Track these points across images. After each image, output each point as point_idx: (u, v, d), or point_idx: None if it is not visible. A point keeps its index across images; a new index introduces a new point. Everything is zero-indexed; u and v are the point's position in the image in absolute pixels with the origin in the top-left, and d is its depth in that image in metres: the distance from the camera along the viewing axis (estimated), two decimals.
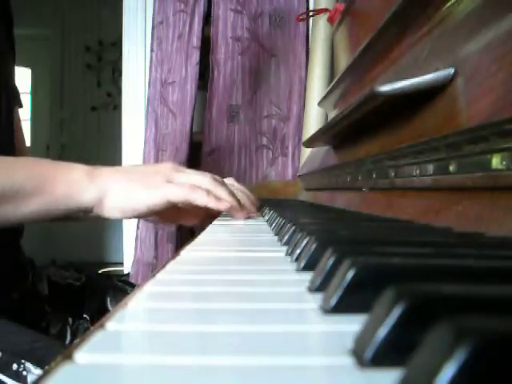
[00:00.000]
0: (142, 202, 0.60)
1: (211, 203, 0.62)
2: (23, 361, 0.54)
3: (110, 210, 0.61)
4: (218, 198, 0.64)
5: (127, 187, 0.60)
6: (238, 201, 0.69)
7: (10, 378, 0.53)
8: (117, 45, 3.54)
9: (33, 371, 0.53)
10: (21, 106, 0.91)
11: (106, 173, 0.61)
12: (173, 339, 0.19)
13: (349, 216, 0.66)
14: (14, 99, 0.86)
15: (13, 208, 0.57)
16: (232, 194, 0.67)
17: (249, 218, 0.73)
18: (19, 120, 0.92)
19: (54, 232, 3.73)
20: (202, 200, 0.61)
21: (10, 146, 0.79)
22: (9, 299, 0.73)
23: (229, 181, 0.81)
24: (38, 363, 0.54)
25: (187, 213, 0.71)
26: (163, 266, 0.35)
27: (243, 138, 2.04)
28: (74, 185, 0.59)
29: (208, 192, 0.62)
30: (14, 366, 0.53)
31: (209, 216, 0.74)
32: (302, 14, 1.87)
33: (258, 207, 0.84)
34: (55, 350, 0.58)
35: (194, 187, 0.62)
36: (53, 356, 0.55)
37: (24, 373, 0.53)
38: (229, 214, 0.71)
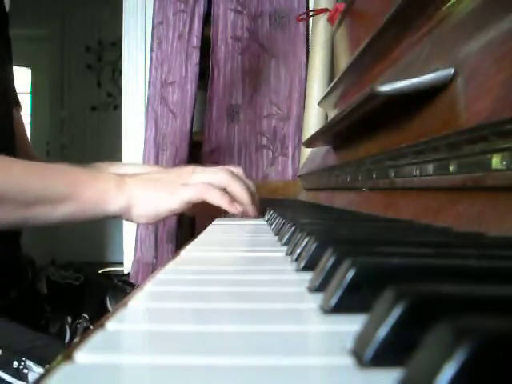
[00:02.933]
0: (165, 208, 0.65)
1: (225, 204, 0.66)
2: (24, 358, 0.54)
3: (137, 218, 0.66)
4: (232, 198, 0.67)
5: (152, 196, 0.65)
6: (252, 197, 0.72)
7: (11, 375, 0.53)
8: (117, 45, 3.54)
9: (34, 369, 0.53)
10: (20, 108, 0.91)
11: (132, 182, 0.65)
12: (173, 339, 0.19)
13: (349, 216, 0.66)
14: (17, 102, 0.86)
15: (44, 211, 0.60)
16: (246, 190, 0.70)
17: (248, 216, 0.74)
18: (21, 122, 0.91)
19: (54, 232, 3.73)
20: (215, 200, 0.65)
21: (9, 147, 0.78)
22: (7, 297, 0.73)
23: (236, 170, 0.79)
24: (39, 361, 0.54)
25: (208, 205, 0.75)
26: (163, 266, 0.35)
27: (243, 137, 2.04)
28: (104, 194, 0.62)
29: (223, 192, 0.66)
30: (15, 364, 0.53)
31: (212, 214, 0.77)
32: (302, 14, 1.87)
33: (258, 208, 0.82)
34: (56, 348, 0.58)
35: (209, 187, 0.65)
36: (53, 354, 0.55)
37: (25, 370, 0.53)
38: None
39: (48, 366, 0.53)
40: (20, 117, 0.91)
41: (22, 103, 0.92)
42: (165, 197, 0.65)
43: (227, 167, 0.71)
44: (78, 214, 0.62)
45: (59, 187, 0.60)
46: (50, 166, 0.67)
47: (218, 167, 0.72)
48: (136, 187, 0.64)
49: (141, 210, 0.64)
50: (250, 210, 0.71)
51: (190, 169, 0.69)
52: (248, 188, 0.71)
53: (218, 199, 0.65)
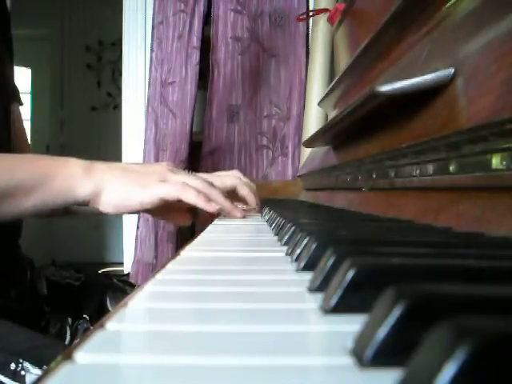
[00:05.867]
0: (136, 199, 0.62)
1: (200, 203, 0.64)
2: (21, 360, 0.54)
3: (104, 205, 0.62)
4: (209, 199, 0.65)
5: (123, 184, 0.62)
6: (232, 202, 0.72)
7: (8, 377, 0.53)
8: (117, 45, 3.54)
9: (31, 370, 0.53)
10: (21, 103, 0.91)
11: (103, 168, 0.63)
12: (173, 339, 0.19)
13: (349, 216, 0.66)
14: (13, 97, 0.86)
15: (15, 202, 0.59)
16: (224, 196, 0.70)
17: (244, 217, 0.74)
18: (20, 118, 0.91)
19: (53, 232, 3.74)
20: (191, 198, 0.63)
21: (7, 143, 0.78)
22: (7, 298, 0.73)
23: (234, 173, 0.84)
24: (37, 362, 0.54)
25: (178, 212, 0.74)
26: (163, 266, 0.35)
27: (243, 137, 2.04)
28: (72, 179, 0.61)
29: (199, 192, 0.64)
30: (12, 366, 0.53)
31: (203, 218, 0.76)
32: (302, 14, 1.87)
33: (259, 204, 0.85)
34: (54, 349, 0.58)
35: (186, 186, 0.63)
36: (51, 355, 0.55)
37: (22, 372, 0.53)
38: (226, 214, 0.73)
39: (45, 367, 0.53)
40: (19, 113, 0.91)
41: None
42: (137, 188, 0.62)
43: (206, 176, 0.71)
44: (49, 202, 0.61)
45: (29, 177, 0.59)
46: (17, 157, 0.66)
47: (197, 175, 0.71)
48: (106, 173, 0.62)
49: (109, 197, 0.62)
50: (234, 213, 0.71)
51: (164, 165, 0.68)
52: (225, 195, 0.71)
53: (193, 198, 0.63)
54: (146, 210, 0.66)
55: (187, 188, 0.63)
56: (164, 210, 0.69)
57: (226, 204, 0.69)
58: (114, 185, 0.62)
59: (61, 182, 0.60)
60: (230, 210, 0.71)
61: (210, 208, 0.65)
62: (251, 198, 0.79)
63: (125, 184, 0.62)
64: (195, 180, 0.66)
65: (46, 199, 0.60)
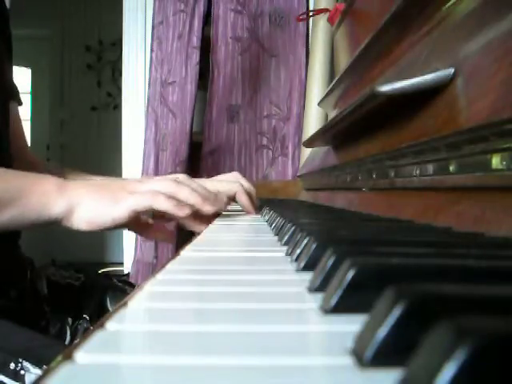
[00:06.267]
0: (108, 215, 0.62)
1: (171, 209, 0.62)
2: (21, 360, 0.54)
3: (77, 223, 0.63)
4: (180, 203, 0.64)
5: (95, 201, 0.62)
6: (209, 195, 0.69)
7: (8, 377, 0.53)
8: (117, 45, 3.54)
9: (31, 370, 0.53)
10: (20, 103, 0.91)
11: (76, 186, 0.63)
12: (173, 339, 0.19)
13: (349, 216, 0.66)
14: (12, 96, 0.86)
15: None
16: (197, 190, 0.67)
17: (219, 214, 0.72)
18: (19, 117, 0.91)
19: (53, 232, 3.73)
20: (162, 205, 0.62)
21: (5, 143, 0.78)
22: (7, 298, 0.73)
23: (235, 176, 0.84)
24: (36, 362, 0.54)
25: (158, 228, 0.73)
26: (163, 266, 0.35)
27: (243, 137, 2.05)
28: (45, 197, 0.61)
29: (169, 197, 0.63)
30: (12, 365, 0.53)
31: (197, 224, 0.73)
32: (302, 14, 1.87)
33: (257, 206, 0.85)
34: (53, 349, 0.58)
35: (155, 193, 0.62)
36: (51, 355, 0.55)
37: (22, 372, 0.53)
38: (222, 213, 0.72)
39: (45, 366, 0.53)
40: (17, 111, 0.90)
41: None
42: (109, 204, 0.62)
43: (172, 176, 0.68)
44: (22, 219, 0.60)
45: (2, 192, 0.59)
46: None
47: (163, 177, 0.69)
48: (78, 191, 0.62)
49: (82, 214, 0.62)
50: (205, 208, 0.67)
51: (134, 179, 0.67)
52: (198, 190, 0.67)
53: (164, 204, 0.62)
54: (123, 225, 0.65)
55: (157, 195, 0.62)
56: (141, 225, 0.69)
57: (197, 200, 0.65)
58: (87, 202, 0.62)
59: (35, 200, 0.60)
60: (201, 207, 0.66)
61: (180, 213, 0.63)
62: (249, 208, 0.81)
63: (97, 201, 0.62)
64: (164, 183, 0.65)
65: (19, 216, 0.60)
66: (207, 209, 0.66)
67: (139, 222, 0.68)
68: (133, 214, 0.62)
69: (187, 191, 0.65)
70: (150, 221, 0.73)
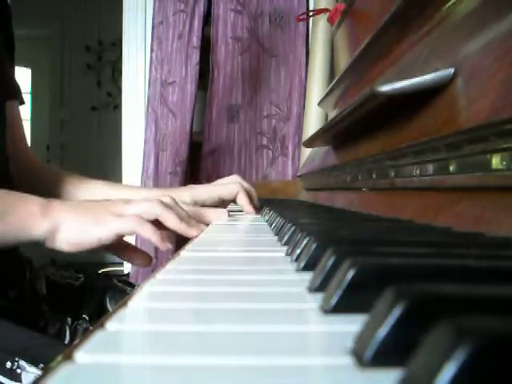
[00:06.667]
0: (91, 236, 0.62)
1: (155, 240, 0.62)
2: (17, 358, 0.54)
3: (60, 243, 0.62)
4: (164, 238, 0.63)
5: (79, 222, 0.62)
6: (194, 218, 0.70)
7: (4, 376, 0.53)
8: (117, 45, 3.54)
9: (27, 369, 0.53)
10: (22, 102, 0.90)
11: (60, 207, 0.63)
12: (173, 339, 0.19)
13: (349, 216, 0.66)
14: (12, 95, 0.85)
15: None
16: (183, 218, 0.66)
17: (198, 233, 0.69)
18: (20, 119, 0.91)
19: None
20: (147, 234, 0.61)
21: (2, 140, 0.78)
22: (6, 298, 0.73)
23: (234, 178, 0.86)
24: (33, 361, 0.54)
25: (134, 251, 0.73)
26: (163, 266, 0.35)
27: (243, 137, 2.05)
28: (28, 218, 0.60)
29: (155, 229, 0.62)
30: (8, 364, 0.53)
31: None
32: (302, 14, 1.87)
33: (257, 207, 0.86)
34: (52, 348, 0.58)
35: (141, 220, 0.62)
36: (50, 354, 0.55)
37: (18, 370, 0.53)
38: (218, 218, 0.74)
39: (42, 365, 0.53)
40: (18, 112, 0.90)
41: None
42: (92, 225, 0.61)
43: (159, 198, 0.67)
44: (3, 237, 0.60)
45: None
46: None
47: (151, 199, 0.67)
48: (62, 213, 0.62)
49: (65, 236, 0.61)
50: (190, 233, 0.66)
51: (119, 200, 0.66)
52: (183, 217, 0.67)
53: (149, 234, 0.61)
54: (104, 248, 0.65)
55: (142, 223, 0.61)
56: (120, 247, 0.68)
57: (181, 227, 0.65)
58: (70, 223, 0.62)
59: (17, 220, 0.60)
60: (185, 231, 0.66)
61: (164, 248, 0.63)
62: (249, 208, 0.84)
63: (81, 222, 0.62)
64: (150, 207, 0.64)
65: (0, 234, 0.60)
66: (192, 234, 0.66)
67: (120, 245, 0.67)
68: (116, 238, 0.62)
69: (174, 221, 0.65)
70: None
